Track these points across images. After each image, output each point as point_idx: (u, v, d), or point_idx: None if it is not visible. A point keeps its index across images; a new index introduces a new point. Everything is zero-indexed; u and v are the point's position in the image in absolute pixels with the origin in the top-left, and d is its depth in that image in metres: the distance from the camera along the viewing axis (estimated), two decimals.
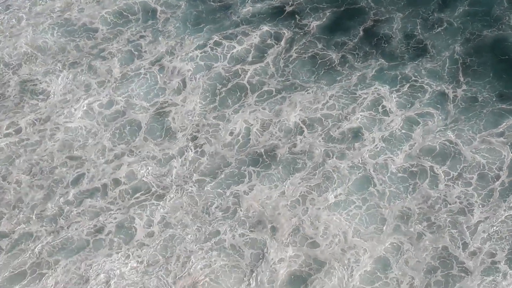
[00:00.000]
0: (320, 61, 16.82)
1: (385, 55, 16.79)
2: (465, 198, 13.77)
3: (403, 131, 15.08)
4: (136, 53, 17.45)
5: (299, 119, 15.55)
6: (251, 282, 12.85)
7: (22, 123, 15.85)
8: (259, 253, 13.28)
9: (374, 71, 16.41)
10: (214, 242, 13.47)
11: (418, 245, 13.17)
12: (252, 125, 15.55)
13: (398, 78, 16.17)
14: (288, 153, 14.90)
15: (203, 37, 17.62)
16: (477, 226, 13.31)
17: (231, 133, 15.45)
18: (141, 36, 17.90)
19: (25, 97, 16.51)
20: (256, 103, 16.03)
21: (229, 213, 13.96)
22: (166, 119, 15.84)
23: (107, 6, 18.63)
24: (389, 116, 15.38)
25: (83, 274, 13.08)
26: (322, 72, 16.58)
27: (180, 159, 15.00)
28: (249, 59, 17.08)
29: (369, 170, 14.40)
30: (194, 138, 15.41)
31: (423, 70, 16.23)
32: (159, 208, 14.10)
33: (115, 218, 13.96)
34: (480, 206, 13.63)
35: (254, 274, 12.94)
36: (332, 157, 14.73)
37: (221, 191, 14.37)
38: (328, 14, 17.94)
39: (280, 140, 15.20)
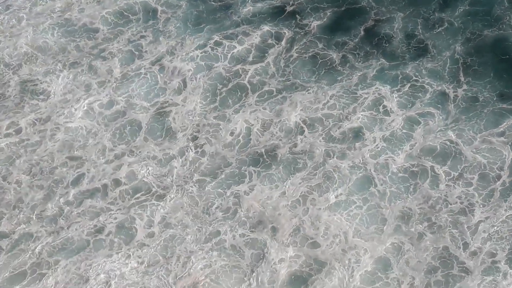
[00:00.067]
0: (320, 61, 16.81)
1: (386, 55, 16.78)
2: (466, 198, 13.75)
3: (404, 131, 15.07)
4: (137, 53, 17.45)
5: (300, 119, 15.54)
6: (252, 282, 12.84)
7: (22, 123, 15.85)
8: (259, 253, 13.27)
9: (375, 71, 16.40)
10: (215, 242, 13.45)
11: (418, 245, 13.15)
12: (252, 125, 15.54)
13: (399, 78, 16.16)
14: (288, 153, 14.89)
15: (203, 37, 17.61)
16: (478, 226, 13.30)
17: (231, 133, 15.43)
18: (142, 36, 17.90)
19: (25, 97, 16.51)
20: (256, 103, 16.02)
21: (229, 213, 13.94)
22: (166, 119, 15.83)
23: (107, 6, 18.62)
24: (390, 116, 15.36)
25: (83, 274, 13.08)
26: (323, 72, 16.57)
27: (180, 159, 14.99)
28: (250, 59, 17.07)
29: (370, 170, 14.39)
30: (195, 138, 15.40)
31: (424, 70, 16.22)
32: (159, 208, 14.09)
33: (116, 219, 13.95)
34: (481, 206, 13.62)
35: (254, 274, 12.93)
36: (333, 157, 14.71)
37: (221, 191, 14.36)
38: (328, 14, 17.93)
39: (280, 140, 15.19)
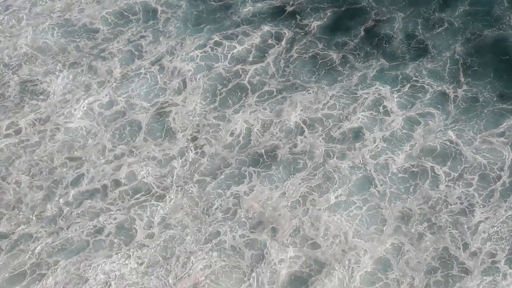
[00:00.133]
0: (321, 61, 16.80)
1: (386, 55, 16.77)
2: (466, 198, 13.74)
3: (404, 131, 15.06)
4: (137, 53, 17.44)
5: (300, 119, 15.53)
6: (252, 283, 12.83)
7: (22, 124, 15.84)
8: (259, 254, 13.26)
9: (375, 71, 16.39)
10: (215, 243, 13.44)
11: (418, 245, 13.14)
12: (252, 125, 15.53)
13: (399, 78, 16.15)
14: (288, 153, 14.88)
15: (203, 37, 17.60)
16: (478, 227, 13.29)
17: (231, 134, 15.42)
18: (142, 36, 17.88)
19: (25, 97, 16.49)
20: (256, 103, 16.01)
21: (229, 214, 13.93)
22: (166, 119, 15.82)
23: (107, 6, 18.61)
24: (390, 116, 15.35)
25: (83, 275, 13.07)
26: (323, 72, 16.56)
27: (180, 160, 14.98)
28: (250, 59, 17.05)
29: (370, 170, 14.38)
30: (195, 139, 15.39)
31: (424, 70, 16.21)
32: (159, 209, 14.08)
33: (115, 219, 13.94)
34: (481, 206, 13.61)
35: (254, 275, 12.92)
36: (333, 157, 14.70)
37: (221, 191, 14.35)
38: (329, 14, 17.92)
39: (280, 140, 15.18)
